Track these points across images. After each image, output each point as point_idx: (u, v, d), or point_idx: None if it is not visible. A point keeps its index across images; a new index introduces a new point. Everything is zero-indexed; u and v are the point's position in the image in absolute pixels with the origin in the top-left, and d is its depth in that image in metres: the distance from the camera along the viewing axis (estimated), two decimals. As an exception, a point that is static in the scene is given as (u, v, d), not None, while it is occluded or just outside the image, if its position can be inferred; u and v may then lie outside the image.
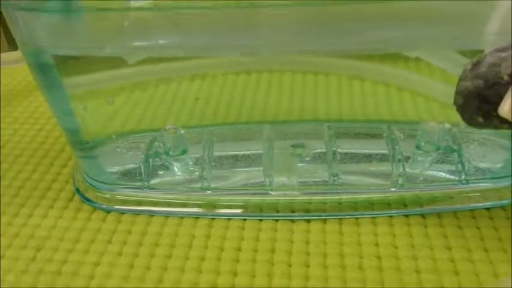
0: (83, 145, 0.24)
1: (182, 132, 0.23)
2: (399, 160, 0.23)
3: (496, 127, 0.18)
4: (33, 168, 0.26)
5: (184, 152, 0.24)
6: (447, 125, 0.23)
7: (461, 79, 0.18)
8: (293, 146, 0.24)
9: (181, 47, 0.20)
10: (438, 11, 0.19)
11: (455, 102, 0.18)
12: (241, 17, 0.18)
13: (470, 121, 0.18)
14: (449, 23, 0.19)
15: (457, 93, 0.18)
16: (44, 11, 0.19)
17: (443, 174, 0.23)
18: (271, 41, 0.19)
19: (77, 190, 0.24)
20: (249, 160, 0.24)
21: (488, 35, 0.19)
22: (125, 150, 0.24)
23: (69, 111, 0.23)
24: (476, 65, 0.18)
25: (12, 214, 0.23)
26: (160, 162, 0.24)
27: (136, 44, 0.20)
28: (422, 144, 0.23)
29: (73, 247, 0.21)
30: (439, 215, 0.22)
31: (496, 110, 0.17)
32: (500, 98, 0.17)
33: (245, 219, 0.23)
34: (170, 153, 0.24)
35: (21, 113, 0.31)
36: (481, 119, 0.18)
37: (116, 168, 0.24)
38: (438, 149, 0.23)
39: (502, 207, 0.22)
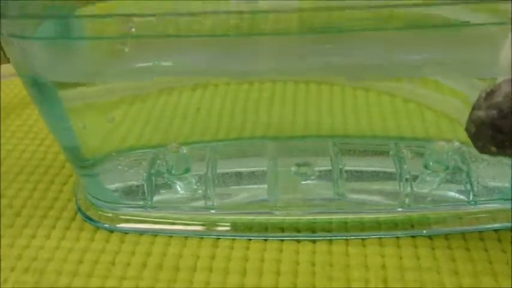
0: (83, 162, 0.24)
1: (185, 151, 0.24)
2: (407, 179, 0.23)
3: (509, 156, 0.19)
4: (33, 186, 0.27)
5: (187, 170, 0.24)
6: (456, 143, 0.24)
7: (474, 108, 0.18)
8: (298, 165, 0.24)
9: (181, 71, 0.20)
10: (451, 37, 0.19)
11: (467, 130, 0.19)
12: (242, 41, 0.19)
13: (482, 149, 0.19)
14: (462, 49, 0.20)
15: (470, 121, 0.18)
16: (36, 38, 0.19)
17: (451, 194, 0.23)
18: (273, 65, 0.20)
19: (79, 209, 0.25)
20: (253, 177, 0.25)
21: (502, 62, 0.19)
22: (126, 168, 0.25)
23: (67, 127, 0.23)
24: (490, 94, 0.18)
25: (15, 235, 0.24)
26: (162, 181, 0.24)
27: (136, 67, 0.20)
28: (431, 163, 0.23)
29: (77, 270, 0.22)
30: (446, 236, 0.23)
31: (510, 140, 0.18)
32: None
33: (250, 239, 0.23)
34: (173, 172, 0.24)
35: (19, 126, 0.31)
36: (494, 148, 0.18)
37: (117, 187, 0.25)
38: (447, 169, 0.23)
39: (511, 230, 0.23)
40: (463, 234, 0.23)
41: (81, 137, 0.23)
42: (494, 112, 0.18)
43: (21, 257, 0.23)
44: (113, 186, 0.25)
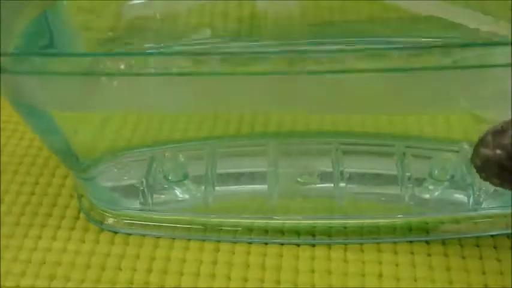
0: (78, 166, 0.25)
1: (182, 160, 0.24)
2: (409, 184, 0.24)
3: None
4: (35, 180, 0.28)
5: (185, 177, 0.25)
6: (466, 146, 0.24)
7: (482, 144, 0.18)
8: (300, 174, 0.24)
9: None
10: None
11: (472, 161, 0.19)
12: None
13: (486, 179, 0.19)
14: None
15: (476, 155, 0.19)
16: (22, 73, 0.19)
17: (453, 200, 0.24)
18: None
19: (82, 209, 0.26)
20: (253, 179, 0.25)
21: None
22: (123, 171, 0.25)
23: (55, 129, 0.23)
24: (500, 133, 0.18)
25: (22, 235, 0.25)
26: (160, 187, 0.25)
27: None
28: (436, 172, 0.24)
29: (85, 276, 0.24)
30: (443, 241, 0.24)
31: None
32: None
33: (251, 243, 0.25)
34: (170, 178, 0.25)
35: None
36: (497, 182, 0.19)
37: (115, 189, 0.26)
38: (452, 178, 0.24)
39: (507, 236, 0.24)
40: (460, 240, 0.24)
41: (72, 141, 0.23)
42: (501, 153, 0.18)
43: (31, 260, 0.24)
44: (111, 189, 0.26)
